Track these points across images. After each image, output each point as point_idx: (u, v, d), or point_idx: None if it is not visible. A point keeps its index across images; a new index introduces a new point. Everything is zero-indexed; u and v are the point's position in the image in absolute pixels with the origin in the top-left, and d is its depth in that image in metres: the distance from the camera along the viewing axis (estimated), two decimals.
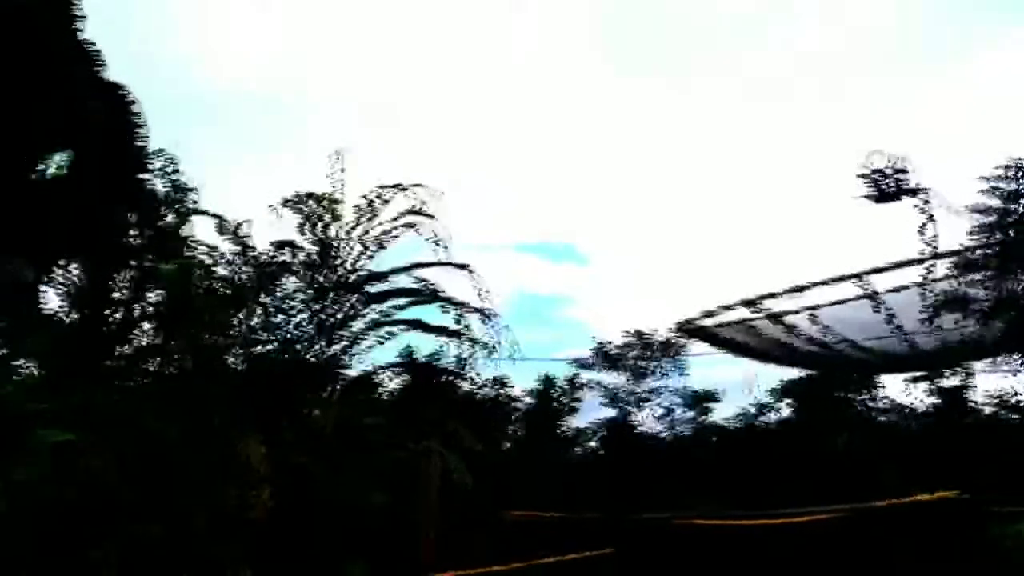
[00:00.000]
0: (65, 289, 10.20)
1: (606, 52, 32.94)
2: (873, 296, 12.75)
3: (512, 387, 20.32)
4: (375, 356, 13.38)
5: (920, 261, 12.01)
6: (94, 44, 9.74)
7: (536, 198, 33.30)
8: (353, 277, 13.10)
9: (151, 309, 10.66)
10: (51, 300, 10.12)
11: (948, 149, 20.12)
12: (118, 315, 10.37)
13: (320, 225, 13.22)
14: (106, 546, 7.27)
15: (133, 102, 10.15)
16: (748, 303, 14.17)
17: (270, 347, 12.54)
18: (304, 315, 12.73)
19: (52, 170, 9.91)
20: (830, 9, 29.93)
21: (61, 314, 10.06)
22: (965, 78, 27.91)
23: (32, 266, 9.54)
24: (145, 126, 10.30)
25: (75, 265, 10.30)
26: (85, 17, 9.71)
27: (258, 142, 30.10)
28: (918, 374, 17.63)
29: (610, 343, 20.90)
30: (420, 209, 13.21)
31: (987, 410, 17.52)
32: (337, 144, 13.59)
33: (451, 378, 16.01)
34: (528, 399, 20.81)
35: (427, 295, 13.26)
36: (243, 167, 26.70)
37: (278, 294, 12.81)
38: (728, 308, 14.76)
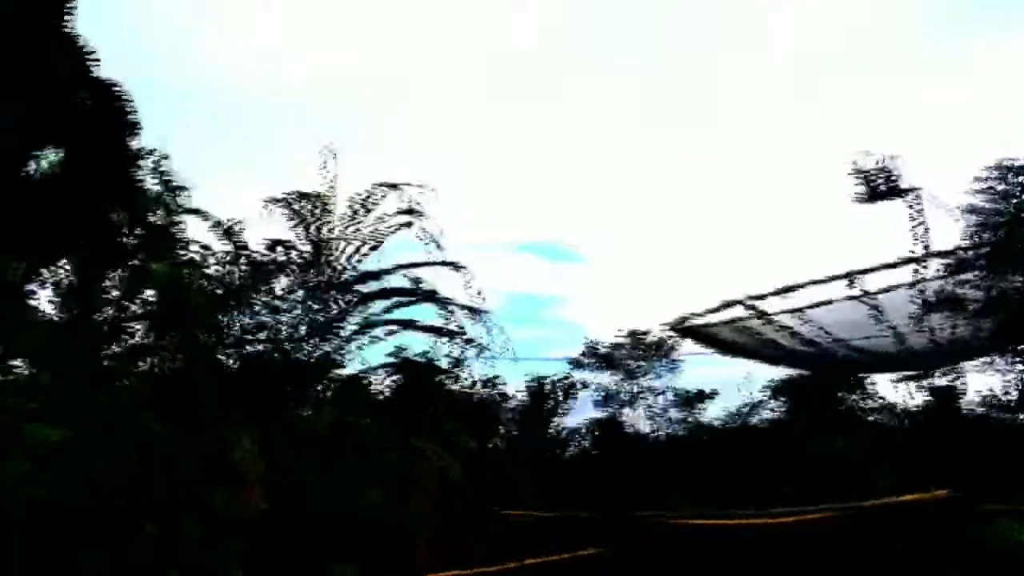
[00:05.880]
0: (56, 288, 10.10)
1: (602, 52, 32.99)
2: (865, 296, 12.83)
3: (505, 386, 20.29)
4: (368, 356, 13.35)
5: (911, 261, 12.10)
6: (86, 39, 9.63)
7: (533, 197, 33.19)
8: (346, 276, 13.06)
9: (143, 308, 10.58)
10: (42, 299, 10.04)
11: (946, 148, 20.25)
12: (110, 314, 10.29)
13: (313, 224, 13.17)
14: (98, 545, 7.21)
15: (126, 99, 10.01)
16: (740, 302, 14.23)
17: (263, 346, 12.48)
18: (297, 314, 12.67)
19: (43, 167, 9.79)
20: (830, 9, 30.08)
21: (52, 313, 9.97)
22: (963, 76, 28.06)
23: (23, 265, 9.44)
24: (138, 123, 10.18)
25: (66, 264, 10.20)
26: (75, 12, 9.59)
27: (257, 141, 29.96)
28: (909, 374, 17.71)
29: (603, 343, 20.91)
30: (413, 208, 13.17)
31: (978, 409, 17.62)
32: (332, 143, 13.53)
33: (444, 378, 15.97)
34: (521, 398, 20.75)
35: (420, 294, 13.24)
36: (243, 166, 26.58)
37: (271, 293, 12.74)
38: (720, 308, 14.81)
